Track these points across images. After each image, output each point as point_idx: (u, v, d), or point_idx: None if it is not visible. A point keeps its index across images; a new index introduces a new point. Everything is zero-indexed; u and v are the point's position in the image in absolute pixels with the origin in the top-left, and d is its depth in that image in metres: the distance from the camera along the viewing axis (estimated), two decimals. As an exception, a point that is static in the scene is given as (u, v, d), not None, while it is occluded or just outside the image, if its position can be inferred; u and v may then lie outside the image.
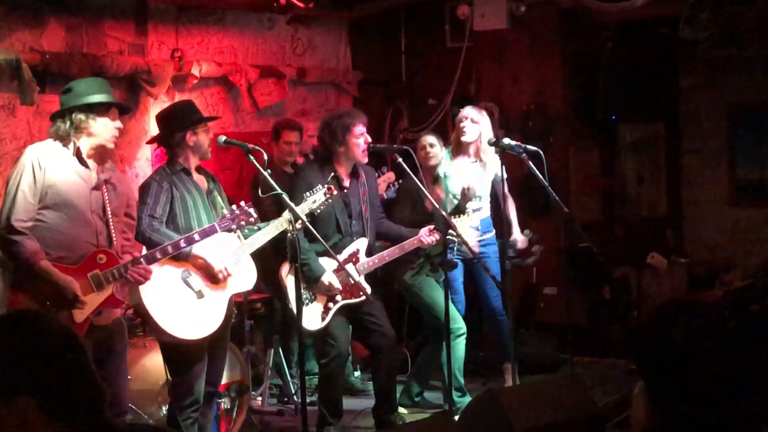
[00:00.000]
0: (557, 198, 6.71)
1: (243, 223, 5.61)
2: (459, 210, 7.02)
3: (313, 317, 6.48)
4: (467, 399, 7.16)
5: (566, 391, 5.04)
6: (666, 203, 10.55)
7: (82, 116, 5.24)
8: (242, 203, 5.67)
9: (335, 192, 6.19)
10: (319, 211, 6.10)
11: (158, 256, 5.43)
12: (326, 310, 6.52)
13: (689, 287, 9.50)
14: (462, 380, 7.31)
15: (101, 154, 5.35)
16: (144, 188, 5.86)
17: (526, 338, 8.37)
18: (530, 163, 6.72)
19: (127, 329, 5.93)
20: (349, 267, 6.50)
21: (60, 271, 5.15)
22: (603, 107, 9.53)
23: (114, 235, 5.36)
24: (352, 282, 6.49)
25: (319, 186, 6.11)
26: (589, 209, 9.67)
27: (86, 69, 7.07)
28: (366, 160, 6.70)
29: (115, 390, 5.46)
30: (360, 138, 6.58)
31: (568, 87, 9.40)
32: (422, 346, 7.71)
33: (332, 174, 6.43)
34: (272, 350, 7.54)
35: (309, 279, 6.42)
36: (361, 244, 6.66)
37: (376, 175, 7.34)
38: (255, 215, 5.63)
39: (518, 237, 7.55)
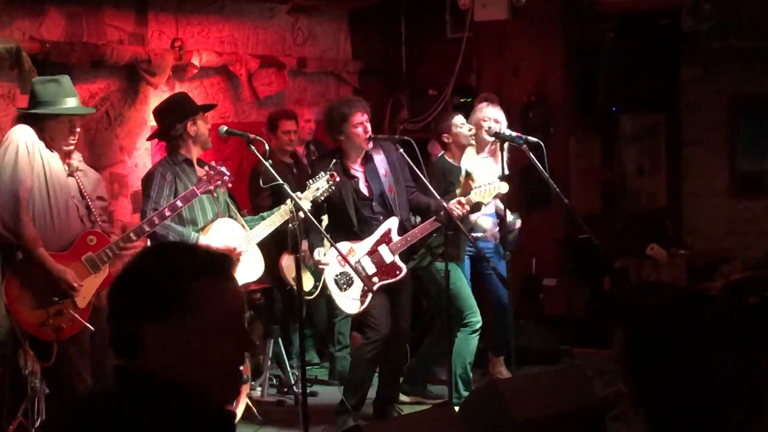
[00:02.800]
0: (557, 189, 6.71)
1: (219, 182, 5.63)
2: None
3: (351, 302, 6.47)
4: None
5: (567, 382, 5.04)
6: (666, 195, 10.55)
7: (51, 123, 5.28)
8: (212, 162, 5.69)
9: (338, 178, 6.19)
10: (322, 198, 6.09)
11: (146, 228, 5.43)
12: (364, 293, 6.50)
13: (689, 279, 9.50)
14: (471, 374, 7.27)
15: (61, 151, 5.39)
16: (147, 180, 5.86)
17: (526, 329, 8.36)
18: (531, 154, 6.71)
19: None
20: (382, 248, 6.50)
21: (54, 259, 5.15)
22: (604, 98, 9.50)
23: (96, 215, 5.38)
24: (387, 262, 6.50)
25: (322, 173, 6.11)
26: (590, 200, 9.66)
27: (86, 58, 7.06)
28: (370, 146, 6.67)
29: (106, 373, 5.48)
30: (359, 127, 6.55)
31: (568, 78, 9.38)
32: (422, 336, 7.70)
33: (334, 161, 6.42)
34: (272, 341, 7.54)
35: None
36: (392, 223, 6.63)
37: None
38: (228, 173, 5.65)
39: (513, 219, 7.50)
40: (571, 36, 9.35)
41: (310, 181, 6.09)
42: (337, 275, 6.47)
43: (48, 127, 5.27)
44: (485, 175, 7.17)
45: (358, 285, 6.46)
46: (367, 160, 6.69)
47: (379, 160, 6.70)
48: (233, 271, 2.25)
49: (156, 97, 7.61)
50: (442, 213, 6.47)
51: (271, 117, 8.07)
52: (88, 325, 5.19)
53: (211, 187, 5.58)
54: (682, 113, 10.42)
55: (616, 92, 9.56)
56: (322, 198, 6.14)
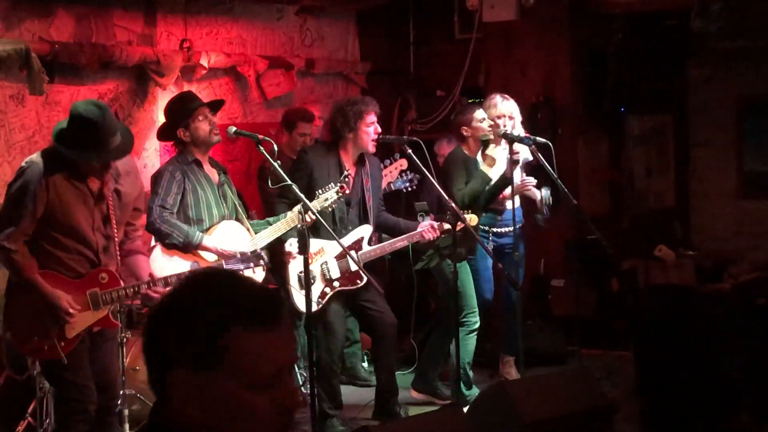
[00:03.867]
0: (566, 190, 6.70)
1: (251, 265, 5.64)
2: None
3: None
4: (474, 391, 7.17)
5: (575, 383, 5.04)
6: (674, 195, 10.54)
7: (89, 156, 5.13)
8: (257, 249, 5.70)
9: (348, 190, 6.19)
10: (330, 209, 6.09)
11: (152, 295, 5.36)
12: (323, 295, 6.53)
13: (697, 280, 9.49)
14: (471, 373, 7.31)
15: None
16: (156, 178, 5.87)
17: (534, 330, 8.36)
18: (539, 154, 6.71)
19: (120, 318, 5.94)
20: (351, 254, 6.51)
21: (60, 282, 5.11)
22: (611, 99, 9.50)
23: (114, 251, 5.30)
24: (351, 270, 6.50)
25: (332, 184, 6.11)
26: (597, 201, 9.65)
27: (95, 59, 7.07)
28: (374, 150, 6.71)
29: (108, 373, 5.48)
30: (370, 127, 6.59)
31: (576, 78, 9.38)
32: (428, 336, 7.72)
33: (345, 174, 6.41)
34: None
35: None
36: (365, 231, 6.67)
37: (382, 165, 7.33)
38: (266, 259, 5.64)
39: (546, 195, 7.47)
40: (579, 37, 9.35)
41: (320, 191, 6.10)
42: (300, 272, 6.40)
43: (83, 163, 5.15)
44: (501, 166, 7.17)
45: (318, 286, 6.49)
46: (360, 163, 6.71)
47: (365, 168, 6.73)
48: (283, 316, 1.96)
49: (165, 97, 7.62)
50: (449, 214, 6.46)
51: (289, 116, 8.08)
52: (64, 358, 5.13)
53: (241, 267, 5.62)
54: (690, 114, 10.41)
55: (624, 93, 9.55)
56: (330, 209, 6.14)
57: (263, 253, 5.64)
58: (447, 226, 6.56)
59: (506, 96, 7.44)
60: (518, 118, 7.35)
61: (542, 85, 9.32)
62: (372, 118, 6.58)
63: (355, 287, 6.60)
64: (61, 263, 5.15)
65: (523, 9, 8.99)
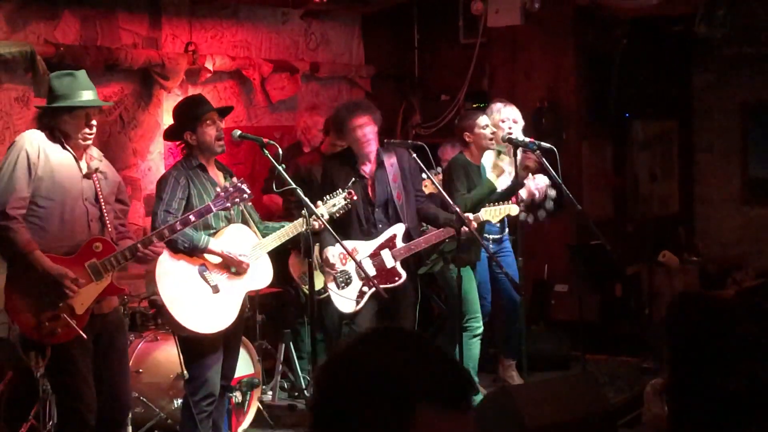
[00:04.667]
0: (570, 195, 6.70)
1: (237, 200, 5.59)
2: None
3: (347, 301, 6.48)
4: (480, 397, 7.17)
5: (579, 388, 5.05)
6: (678, 201, 10.54)
7: (66, 117, 5.26)
8: (235, 179, 5.66)
9: (356, 197, 6.17)
10: (338, 215, 6.08)
11: (154, 239, 5.41)
12: (361, 294, 6.51)
13: (701, 285, 9.47)
14: (476, 379, 7.31)
15: (79, 148, 5.36)
16: (160, 183, 5.86)
17: (537, 335, 8.35)
18: (543, 159, 6.71)
19: (127, 324, 5.95)
20: (385, 252, 6.50)
21: (55, 261, 5.14)
22: (616, 104, 9.51)
23: (108, 222, 5.36)
24: (387, 267, 6.51)
25: (340, 190, 6.10)
26: (601, 206, 9.65)
27: (100, 62, 7.08)
28: (372, 154, 6.58)
29: (118, 385, 5.49)
30: (357, 130, 6.45)
31: (581, 84, 9.38)
32: (433, 340, 7.72)
33: (353, 180, 6.40)
34: (283, 345, 7.54)
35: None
36: (398, 229, 6.62)
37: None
38: (248, 191, 5.61)
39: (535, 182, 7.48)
40: (584, 42, 9.35)
41: (328, 196, 6.09)
42: (336, 273, 6.48)
43: (64, 121, 5.25)
44: (508, 177, 7.18)
45: (356, 285, 6.48)
46: (379, 164, 6.66)
47: (390, 165, 6.67)
48: (471, 400, 1.76)
49: (169, 100, 7.64)
50: (455, 218, 6.45)
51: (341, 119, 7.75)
52: (81, 333, 5.15)
53: (228, 205, 5.56)
54: (694, 119, 10.41)
55: (628, 98, 9.56)
56: (337, 215, 6.13)
57: (244, 186, 5.60)
58: (483, 218, 6.57)
59: (508, 102, 7.46)
60: (521, 122, 7.36)
61: (547, 89, 9.32)
62: (358, 122, 6.44)
63: (393, 285, 6.58)
64: (53, 237, 5.18)
65: (527, 14, 8.99)
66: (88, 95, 5.29)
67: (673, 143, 10.51)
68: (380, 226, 6.59)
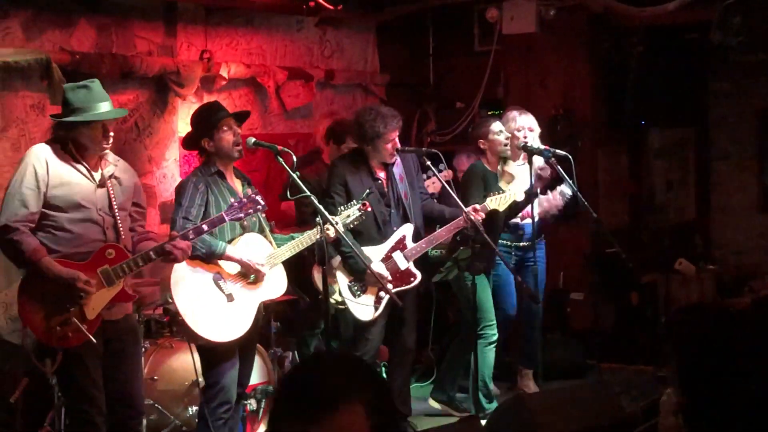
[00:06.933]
0: (586, 203, 6.68)
1: (251, 211, 5.60)
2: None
3: (365, 308, 6.47)
4: (495, 405, 7.15)
5: (594, 397, 5.02)
6: (694, 209, 10.50)
7: (83, 129, 5.28)
8: (249, 191, 5.68)
9: (370, 208, 6.19)
10: (352, 226, 6.10)
11: (190, 236, 5.42)
12: (378, 300, 6.51)
13: (717, 294, 9.44)
14: (491, 386, 7.29)
15: (95, 157, 5.38)
16: (179, 189, 5.88)
17: (553, 343, 8.33)
18: (559, 167, 6.69)
19: (140, 330, 5.96)
20: (397, 254, 6.50)
21: (68, 267, 5.15)
22: (632, 112, 9.48)
23: (122, 230, 5.38)
24: (401, 269, 6.51)
25: (354, 201, 6.12)
26: (617, 214, 9.62)
27: (116, 69, 7.10)
28: (393, 161, 6.69)
29: (131, 391, 5.49)
30: (389, 143, 6.58)
31: (596, 91, 9.36)
32: (447, 349, 7.70)
33: (368, 191, 6.41)
34: (293, 353, 7.52)
35: (356, 271, 6.41)
36: (406, 229, 6.65)
37: (426, 175, 7.29)
38: (262, 203, 5.62)
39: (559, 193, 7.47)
40: (600, 49, 9.33)
41: (342, 207, 6.11)
42: (350, 282, 6.48)
43: (81, 134, 5.27)
44: (521, 182, 7.17)
45: (371, 293, 6.48)
46: (389, 166, 6.71)
47: (396, 165, 6.73)
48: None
49: (185, 108, 7.65)
50: (469, 226, 6.45)
51: (340, 129, 7.68)
52: (91, 338, 5.17)
53: (241, 215, 5.57)
54: (710, 127, 10.36)
55: (644, 106, 9.53)
56: (352, 226, 6.15)
57: (259, 197, 5.61)
58: (490, 206, 6.56)
59: (523, 110, 7.45)
60: (537, 129, 7.35)
61: (562, 97, 9.31)
62: (392, 136, 6.56)
63: (410, 286, 6.58)
64: (68, 247, 5.21)
65: (543, 21, 8.98)
66: (104, 107, 5.32)
67: (689, 151, 10.47)
68: (394, 227, 6.62)
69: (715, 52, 9.32)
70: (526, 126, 7.30)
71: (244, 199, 5.57)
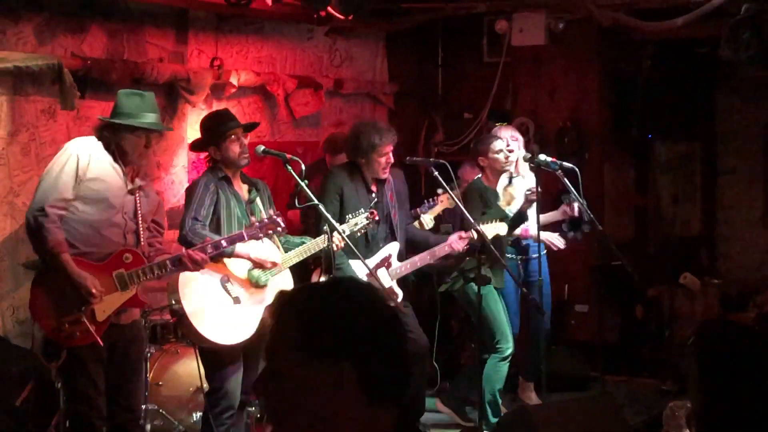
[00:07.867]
0: (591, 215, 6.70)
1: (270, 232, 5.65)
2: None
3: None
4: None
5: (598, 409, 5.03)
6: (700, 223, 10.49)
7: (127, 135, 5.35)
8: (271, 212, 5.72)
9: (377, 217, 6.21)
10: (359, 234, 6.13)
11: (209, 249, 5.48)
12: None
13: (721, 308, 9.43)
14: (500, 401, 7.23)
15: (132, 167, 5.46)
16: (190, 190, 5.95)
17: (557, 355, 8.33)
18: (566, 179, 6.71)
19: (146, 336, 6.00)
20: (381, 272, 6.51)
21: (85, 266, 5.20)
22: (639, 125, 9.49)
23: (142, 237, 5.43)
24: (385, 287, 6.51)
25: (362, 209, 6.15)
26: (623, 227, 9.63)
27: (126, 76, 7.13)
28: (386, 176, 6.70)
29: (132, 396, 5.53)
30: (383, 157, 6.58)
31: (604, 104, 9.38)
32: (452, 358, 7.71)
33: (374, 202, 6.43)
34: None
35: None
36: (392, 248, 6.67)
37: (427, 203, 7.35)
38: (282, 224, 5.66)
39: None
40: (608, 62, 9.35)
41: (349, 216, 6.14)
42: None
43: (124, 138, 5.36)
44: (520, 194, 7.20)
45: None
46: (380, 181, 6.74)
47: (388, 183, 6.75)
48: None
49: (194, 115, 7.68)
50: (475, 237, 6.47)
51: (337, 141, 7.72)
52: (98, 339, 5.21)
53: (261, 235, 5.65)
54: (717, 141, 10.37)
55: (651, 119, 9.55)
56: (359, 234, 6.18)
57: (279, 219, 5.66)
58: (475, 234, 6.57)
59: (502, 126, 7.54)
60: (521, 138, 7.42)
61: (570, 109, 9.33)
62: (387, 149, 6.57)
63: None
64: (88, 242, 5.25)
65: (552, 34, 9.01)
66: (151, 117, 5.41)
67: (695, 165, 10.48)
68: (381, 244, 6.64)
69: (723, 67, 9.33)
70: (507, 137, 7.34)
71: (266, 220, 5.64)
